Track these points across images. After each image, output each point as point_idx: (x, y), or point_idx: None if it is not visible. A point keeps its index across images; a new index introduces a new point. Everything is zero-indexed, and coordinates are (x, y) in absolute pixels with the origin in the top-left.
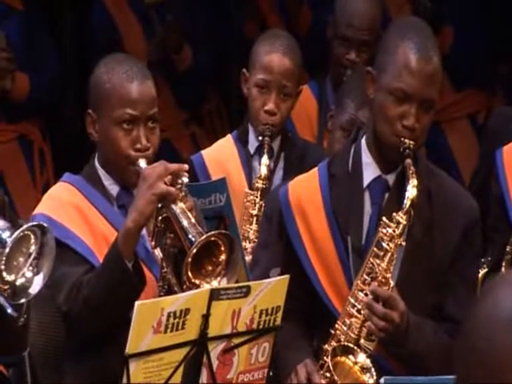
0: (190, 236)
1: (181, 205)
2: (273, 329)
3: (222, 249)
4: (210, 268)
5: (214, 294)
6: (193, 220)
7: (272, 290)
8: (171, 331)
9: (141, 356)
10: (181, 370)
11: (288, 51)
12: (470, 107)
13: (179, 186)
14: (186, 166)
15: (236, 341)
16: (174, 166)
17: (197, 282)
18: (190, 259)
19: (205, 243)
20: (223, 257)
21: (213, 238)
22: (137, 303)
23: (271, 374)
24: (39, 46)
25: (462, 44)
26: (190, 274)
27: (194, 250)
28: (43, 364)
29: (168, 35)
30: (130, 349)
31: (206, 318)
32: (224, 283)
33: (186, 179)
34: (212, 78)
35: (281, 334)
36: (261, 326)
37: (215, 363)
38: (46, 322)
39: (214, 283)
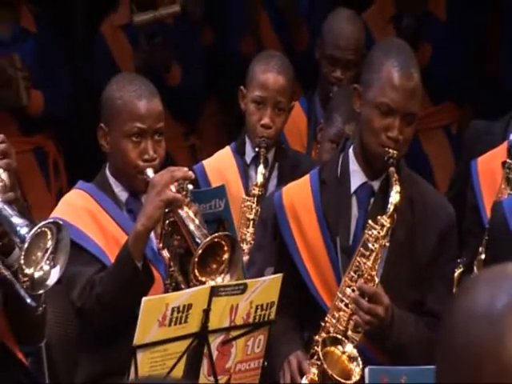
0: (196, 238)
1: (186, 209)
2: (267, 322)
3: (225, 249)
4: (214, 266)
5: (214, 291)
6: (197, 223)
7: (267, 287)
8: (175, 324)
9: (147, 347)
10: (184, 359)
11: (282, 70)
12: (445, 119)
13: (184, 193)
14: (191, 173)
15: (234, 333)
16: (179, 174)
17: (203, 279)
18: (196, 259)
19: (209, 244)
20: (226, 256)
21: (217, 239)
22: (144, 299)
23: (266, 363)
24: (53, 66)
25: (439, 62)
26: (196, 272)
27: (200, 251)
28: (59, 354)
29: (155, 55)
30: (137, 340)
31: (206, 312)
32: (227, 279)
33: (190, 186)
34: (205, 94)
35: (275, 328)
36: (256, 320)
37: (215, 354)
38: (60, 316)
39: (219, 280)
